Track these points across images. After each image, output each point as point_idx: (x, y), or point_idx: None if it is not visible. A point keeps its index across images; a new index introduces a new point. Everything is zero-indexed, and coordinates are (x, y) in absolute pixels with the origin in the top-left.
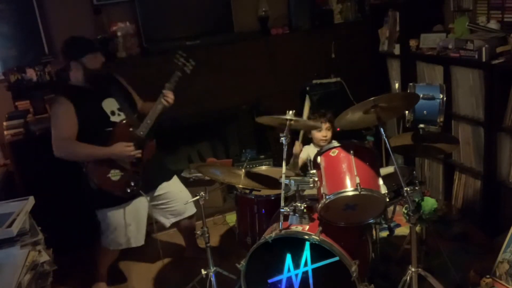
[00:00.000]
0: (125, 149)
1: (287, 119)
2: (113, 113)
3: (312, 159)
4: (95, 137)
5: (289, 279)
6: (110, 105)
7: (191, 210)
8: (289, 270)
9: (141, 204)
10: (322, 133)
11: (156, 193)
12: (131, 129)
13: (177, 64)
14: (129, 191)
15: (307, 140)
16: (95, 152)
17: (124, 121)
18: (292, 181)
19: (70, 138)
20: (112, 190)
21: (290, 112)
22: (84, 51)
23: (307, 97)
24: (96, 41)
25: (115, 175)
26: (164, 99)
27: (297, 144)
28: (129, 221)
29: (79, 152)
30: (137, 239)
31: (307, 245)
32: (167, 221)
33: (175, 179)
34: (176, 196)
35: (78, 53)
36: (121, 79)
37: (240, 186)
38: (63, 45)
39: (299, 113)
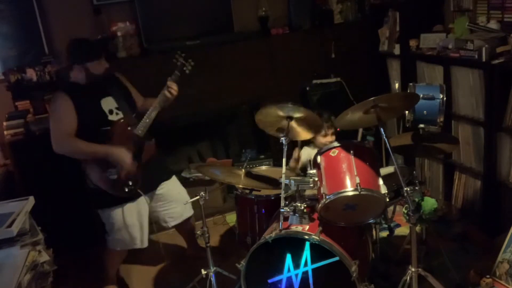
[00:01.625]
0: (125, 157)
1: (286, 118)
2: (111, 112)
3: (312, 159)
4: (93, 136)
5: (289, 279)
6: (108, 103)
7: (189, 211)
8: (289, 270)
9: (142, 204)
10: (327, 139)
11: (156, 192)
12: (129, 128)
13: (176, 64)
14: (127, 190)
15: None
16: (95, 150)
17: (122, 120)
18: (292, 181)
19: (70, 134)
20: (110, 189)
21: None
22: (89, 57)
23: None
24: (97, 41)
25: (112, 174)
26: (168, 90)
27: (296, 151)
28: (133, 221)
29: (79, 148)
30: (142, 240)
31: (307, 245)
32: (168, 224)
33: (174, 179)
34: (175, 197)
35: (83, 58)
36: (122, 77)
37: (240, 186)
38: (68, 47)
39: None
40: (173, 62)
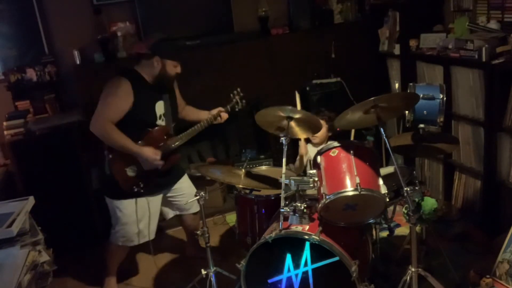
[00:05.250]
0: (155, 157)
1: (286, 118)
2: (160, 117)
3: (312, 159)
4: (132, 130)
5: (289, 279)
6: (160, 108)
7: (196, 207)
8: (289, 270)
9: (154, 200)
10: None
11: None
12: (165, 137)
13: (231, 99)
14: (135, 190)
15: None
16: (128, 146)
17: (163, 128)
18: (292, 181)
19: (113, 121)
20: (122, 183)
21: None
22: (172, 55)
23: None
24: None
25: (131, 171)
26: (219, 115)
27: (302, 144)
28: (140, 216)
29: (115, 140)
30: (147, 234)
31: (307, 245)
32: (171, 213)
33: (185, 175)
34: (185, 191)
35: (167, 54)
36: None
37: (240, 186)
38: (159, 40)
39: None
40: (230, 96)
